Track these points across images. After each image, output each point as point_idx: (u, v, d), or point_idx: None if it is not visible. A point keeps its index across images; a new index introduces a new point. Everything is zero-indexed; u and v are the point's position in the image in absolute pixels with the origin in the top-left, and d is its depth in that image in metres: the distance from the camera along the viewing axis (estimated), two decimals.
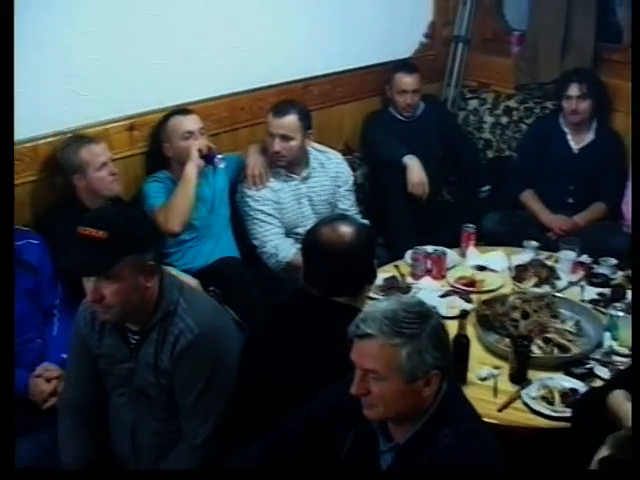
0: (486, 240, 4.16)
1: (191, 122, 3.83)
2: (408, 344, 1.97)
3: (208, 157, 3.79)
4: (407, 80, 4.69)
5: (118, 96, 3.80)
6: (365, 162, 4.75)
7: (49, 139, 3.65)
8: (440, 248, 3.74)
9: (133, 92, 3.86)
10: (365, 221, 3.97)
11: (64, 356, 2.98)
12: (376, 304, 2.11)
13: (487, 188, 4.96)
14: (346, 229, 2.47)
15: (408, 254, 3.80)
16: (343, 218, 2.63)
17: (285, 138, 3.91)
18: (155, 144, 3.95)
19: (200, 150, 3.76)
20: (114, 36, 3.73)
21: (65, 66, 3.62)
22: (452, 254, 3.83)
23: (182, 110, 3.89)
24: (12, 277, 1.65)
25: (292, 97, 4.28)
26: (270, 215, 3.98)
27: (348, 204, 4.20)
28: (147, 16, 3.83)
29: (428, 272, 3.68)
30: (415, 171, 4.39)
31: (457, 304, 3.35)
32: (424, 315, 2.02)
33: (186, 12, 3.97)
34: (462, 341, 2.86)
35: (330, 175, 4.20)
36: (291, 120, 3.91)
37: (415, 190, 4.40)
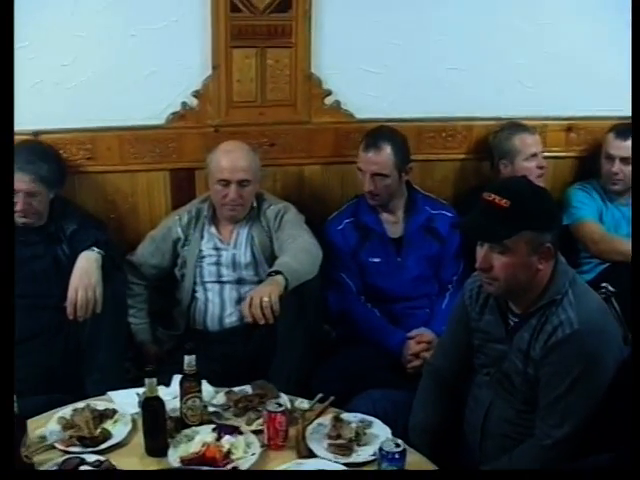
0: None
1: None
2: None
3: None
4: None
5: (559, 94, 3.70)
6: None
7: (486, 122, 3.67)
8: None
9: (574, 94, 3.73)
10: None
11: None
12: None
13: None
14: None
15: None
16: None
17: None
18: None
19: None
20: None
21: (515, 55, 3.62)
22: None
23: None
24: (12, 275, 1.66)
25: None
26: None
27: None
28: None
29: None
30: None
31: None
32: None
33: None
34: None
35: None
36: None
37: None
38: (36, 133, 3.32)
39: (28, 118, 3.24)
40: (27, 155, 3.11)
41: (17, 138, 3.25)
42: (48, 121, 3.33)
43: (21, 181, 3.04)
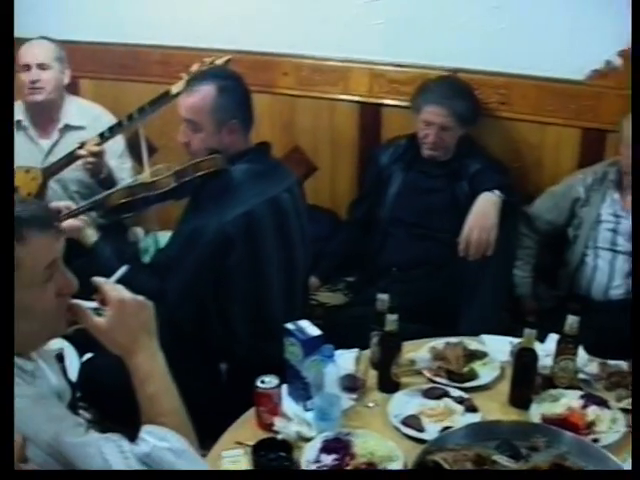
0: None
1: None
2: None
3: None
4: None
5: None
6: None
7: None
8: None
9: None
10: None
11: None
12: None
13: None
14: None
15: None
16: None
17: None
18: None
19: None
20: None
21: None
22: None
23: None
24: (12, 269, 1.48)
25: None
26: None
27: None
28: None
29: None
30: None
31: None
32: None
33: None
34: None
35: None
36: None
37: None
38: (455, 70, 3.39)
39: (445, 55, 3.38)
40: (446, 90, 3.20)
41: (436, 73, 3.37)
42: (464, 60, 3.40)
43: (437, 114, 3.13)
